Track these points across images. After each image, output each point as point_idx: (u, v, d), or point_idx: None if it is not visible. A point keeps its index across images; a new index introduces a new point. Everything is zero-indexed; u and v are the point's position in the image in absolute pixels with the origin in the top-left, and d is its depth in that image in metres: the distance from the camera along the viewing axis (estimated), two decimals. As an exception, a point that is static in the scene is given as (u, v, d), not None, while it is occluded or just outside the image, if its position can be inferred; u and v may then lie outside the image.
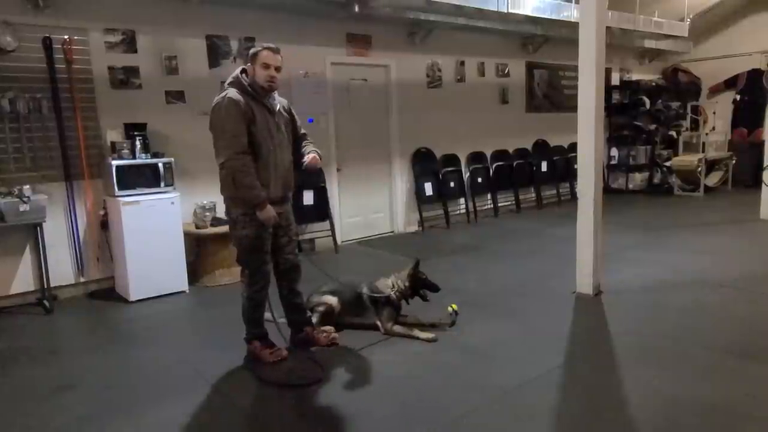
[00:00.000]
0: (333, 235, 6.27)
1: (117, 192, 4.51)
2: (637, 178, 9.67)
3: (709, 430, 2.48)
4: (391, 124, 6.95)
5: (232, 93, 3.02)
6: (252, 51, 3.12)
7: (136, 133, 4.75)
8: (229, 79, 3.12)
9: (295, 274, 3.43)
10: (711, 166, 9.38)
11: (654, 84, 10.06)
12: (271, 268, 3.28)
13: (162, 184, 4.70)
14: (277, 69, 3.10)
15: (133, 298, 4.58)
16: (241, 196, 3.04)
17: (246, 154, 2.99)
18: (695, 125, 10.35)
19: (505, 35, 7.76)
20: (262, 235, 3.14)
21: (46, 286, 4.47)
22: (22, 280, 4.57)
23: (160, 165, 4.69)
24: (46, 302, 4.45)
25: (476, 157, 7.89)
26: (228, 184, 3.04)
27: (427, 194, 7.22)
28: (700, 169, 8.89)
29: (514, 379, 2.98)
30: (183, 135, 5.14)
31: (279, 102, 3.24)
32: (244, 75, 3.11)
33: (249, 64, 3.11)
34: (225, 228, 4.97)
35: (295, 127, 3.35)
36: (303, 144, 3.36)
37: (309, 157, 3.25)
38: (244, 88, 3.06)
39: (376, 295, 3.69)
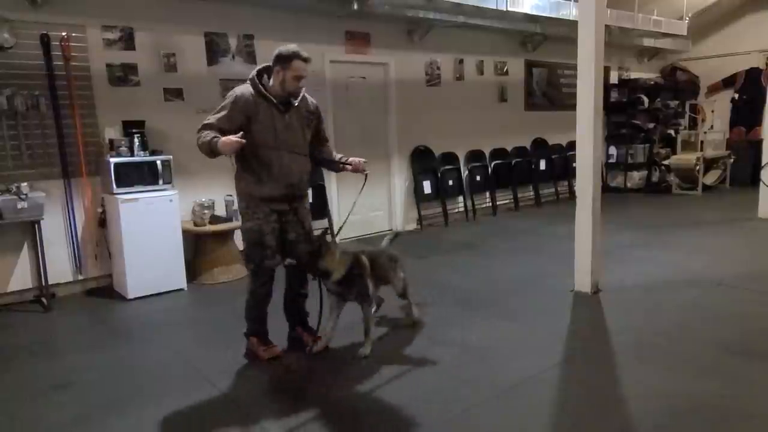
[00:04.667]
0: (332, 232, 6.26)
1: (115, 189, 4.49)
2: (636, 177, 9.67)
3: (707, 428, 2.48)
4: (389, 122, 6.94)
5: (243, 87, 3.09)
6: (282, 53, 3.02)
7: (134, 130, 4.75)
8: (250, 75, 3.13)
9: (304, 274, 3.38)
10: (709, 164, 9.39)
11: (652, 82, 10.05)
12: (274, 265, 3.24)
13: (160, 182, 4.69)
14: (303, 78, 3.09)
15: (131, 295, 4.57)
16: (205, 152, 2.95)
17: (210, 127, 2.97)
18: (693, 124, 10.36)
19: (504, 33, 7.75)
20: (262, 229, 3.15)
21: (43, 284, 4.46)
22: (20, 277, 4.56)
23: (159, 162, 4.68)
24: (43, 300, 4.45)
25: (475, 156, 7.89)
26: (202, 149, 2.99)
27: (425, 192, 7.22)
28: (698, 167, 8.90)
29: (513, 376, 2.98)
30: (181, 133, 5.11)
31: (304, 100, 3.20)
32: (265, 76, 3.10)
33: (276, 66, 3.04)
34: (223, 226, 5.01)
35: (318, 129, 3.35)
36: (326, 149, 3.41)
37: (355, 160, 3.33)
38: (257, 87, 3.06)
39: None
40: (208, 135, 2.93)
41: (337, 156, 3.41)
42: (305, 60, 3.03)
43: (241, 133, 2.91)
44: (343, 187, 6.56)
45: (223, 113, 3.03)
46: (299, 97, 3.16)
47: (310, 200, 5.83)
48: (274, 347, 3.33)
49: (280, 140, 3.11)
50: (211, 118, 3.04)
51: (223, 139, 2.86)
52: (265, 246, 3.17)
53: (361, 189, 3.34)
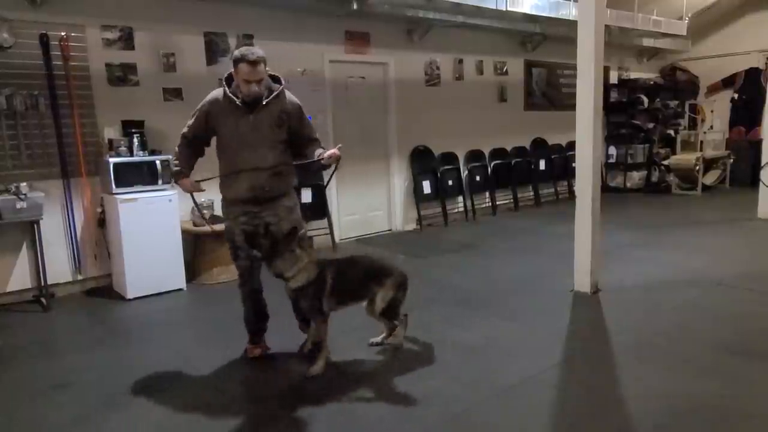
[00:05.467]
0: (331, 232, 6.26)
1: (114, 189, 4.49)
2: (635, 177, 9.67)
3: (707, 428, 2.48)
4: (389, 122, 6.94)
5: (216, 90, 3.12)
6: (233, 57, 2.97)
7: (133, 130, 4.74)
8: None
9: None
10: (709, 164, 9.39)
11: (652, 82, 10.06)
12: (247, 265, 3.20)
13: (160, 182, 4.68)
14: (259, 81, 2.95)
15: (130, 295, 4.57)
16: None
17: (184, 138, 3.19)
18: (693, 124, 10.37)
19: (503, 33, 7.75)
20: (232, 229, 3.17)
21: (43, 284, 4.45)
22: (19, 277, 4.56)
23: (158, 162, 4.68)
24: (43, 300, 4.44)
25: (474, 155, 7.88)
26: None
27: (425, 192, 7.21)
28: (697, 167, 8.90)
29: (513, 376, 2.98)
30: (181, 132, 5.11)
31: (278, 99, 3.07)
32: (231, 81, 3.07)
33: (233, 69, 3.00)
34: (222, 226, 4.99)
35: (298, 129, 3.16)
36: (313, 149, 3.19)
37: (328, 152, 3.05)
38: (224, 89, 3.06)
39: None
40: (175, 159, 3.20)
41: (317, 153, 3.14)
42: (252, 63, 2.89)
43: (201, 184, 3.23)
44: (343, 186, 6.57)
45: (192, 119, 3.17)
46: (269, 97, 3.04)
47: (310, 200, 5.93)
48: (256, 347, 3.34)
49: (244, 141, 3.04)
50: (186, 126, 3.19)
51: (183, 180, 3.18)
52: (235, 246, 3.18)
53: (333, 172, 3.33)
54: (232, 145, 3.08)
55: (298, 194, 3.64)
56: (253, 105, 3.02)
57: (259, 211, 3.13)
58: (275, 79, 3.13)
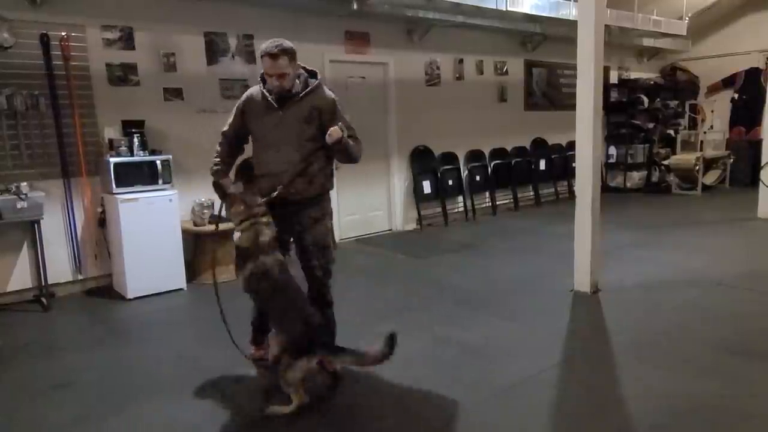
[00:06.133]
0: (331, 232, 6.25)
1: (115, 189, 4.49)
2: (635, 177, 9.67)
3: (707, 428, 2.48)
4: (389, 122, 6.94)
5: (253, 87, 3.05)
6: (260, 51, 2.91)
7: (134, 130, 4.74)
8: None
9: (313, 285, 3.14)
10: (709, 164, 9.39)
11: (652, 82, 10.05)
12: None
13: (160, 182, 4.68)
14: (281, 76, 2.82)
15: (130, 295, 4.57)
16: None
17: (224, 136, 3.12)
18: (693, 124, 10.37)
19: (503, 33, 7.75)
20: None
21: (43, 284, 4.46)
22: (20, 277, 4.56)
23: (158, 162, 4.68)
24: (43, 299, 4.44)
25: (474, 155, 7.89)
26: None
27: (425, 192, 7.22)
28: (697, 167, 8.90)
29: (513, 376, 2.99)
30: (181, 132, 5.13)
31: (312, 94, 2.94)
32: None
33: None
34: (223, 225, 4.99)
35: (329, 124, 2.93)
36: None
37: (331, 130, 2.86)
38: (260, 86, 2.98)
39: None
40: (216, 158, 3.10)
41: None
42: (272, 56, 2.79)
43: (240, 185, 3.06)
44: (343, 186, 6.56)
45: (231, 118, 3.10)
46: (302, 92, 2.92)
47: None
48: (258, 349, 3.29)
49: (271, 138, 2.94)
50: (226, 124, 3.11)
51: (225, 180, 3.07)
52: None
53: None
54: (260, 143, 3.00)
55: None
56: (284, 101, 2.91)
57: (282, 218, 2.94)
58: (312, 74, 3.01)
